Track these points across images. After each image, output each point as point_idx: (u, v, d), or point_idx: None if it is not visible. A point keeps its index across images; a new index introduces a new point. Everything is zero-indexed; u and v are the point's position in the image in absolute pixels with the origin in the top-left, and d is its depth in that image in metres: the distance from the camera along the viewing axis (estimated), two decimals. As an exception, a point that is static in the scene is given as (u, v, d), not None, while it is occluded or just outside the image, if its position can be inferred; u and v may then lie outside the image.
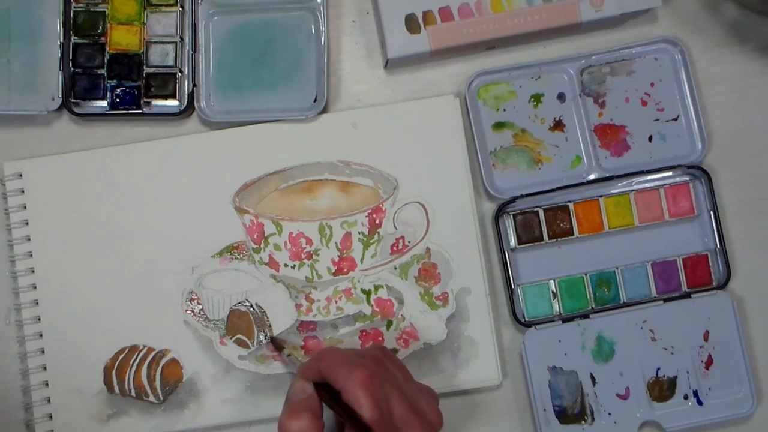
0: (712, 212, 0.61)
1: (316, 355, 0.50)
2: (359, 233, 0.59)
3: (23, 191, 0.59)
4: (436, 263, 0.60)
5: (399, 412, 0.46)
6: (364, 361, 0.47)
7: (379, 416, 0.45)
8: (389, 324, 0.59)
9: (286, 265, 0.59)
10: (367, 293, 0.60)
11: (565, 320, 0.60)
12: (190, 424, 0.58)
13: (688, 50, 0.62)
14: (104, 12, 0.60)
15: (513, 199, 0.60)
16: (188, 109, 0.60)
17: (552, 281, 0.61)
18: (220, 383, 0.58)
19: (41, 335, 0.58)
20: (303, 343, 0.59)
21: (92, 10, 0.60)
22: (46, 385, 0.58)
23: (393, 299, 0.60)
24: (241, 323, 0.59)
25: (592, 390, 0.60)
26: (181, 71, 0.60)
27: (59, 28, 0.60)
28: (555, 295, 0.61)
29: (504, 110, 0.62)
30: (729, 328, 0.60)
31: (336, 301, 0.60)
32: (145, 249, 0.59)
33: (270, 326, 0.59)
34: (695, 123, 0.62)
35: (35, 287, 0.59)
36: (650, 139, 0.62)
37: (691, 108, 0.62)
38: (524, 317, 0.60)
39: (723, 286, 0.61)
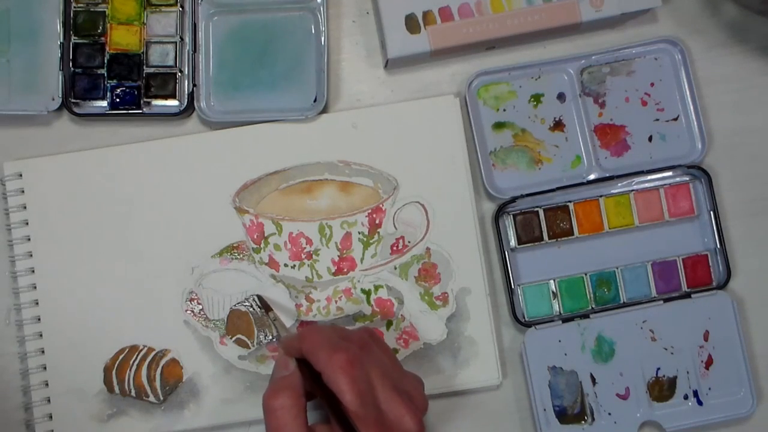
0: (712, 212, 0.61)
1: (299, 333, 0.49)
2: (359, 233, 0.59)
3: (23, 191, 0.59)
4: (436, 263, 0.60)
5: (383, 395, 0.46)
6: (345, 344, 0.47)
7: (359, 402, 0.44)
8: (389, 324, 0.59)
9: (286, 265, 0.59)
10: (367, 293, 0.60)
11: (565, 320, 0.60)
12: (190, 424, 0.58)
13: (688, 50, 0.62)
14: (104, 12, 0.60)
15: (513, 199, 0.60)
16: (188, 109, 0.60)
17: (552, 281, 0.61)
18: (220, 383, 0.58)
19: (41, 335, 0.58)
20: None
21: (92, 10, 0.60)
22: (46, 385, 0.58)
23: (393, 299, 0.60)
24: (241, 323, 0.59)
25: (592, 390, 0.60)
26: (181, 71, 0.60)
27: (59, 28, 0.60)
28: (555, 295, 0.61)
29: (504, 110, 0.62)
30: (729, 328, 0.60)
31: (336, 301, 0.60)
32: (145, 249, 0.59)
33: (270, 326, 0.59)
34: (695, 123, 0.62)
35: (35, 287, 0.59)
36: (650, 139, 0.62)
37: (691, 108, 0.62)
38: (524, 317, 0.60)
39: (723, 286, 0.61)
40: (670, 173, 0.62)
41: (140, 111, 0.60)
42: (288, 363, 0.48)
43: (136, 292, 0.59)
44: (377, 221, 0.60)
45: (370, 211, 0.59)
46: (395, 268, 0.60)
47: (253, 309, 0.59)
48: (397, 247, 0.60)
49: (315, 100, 0.60)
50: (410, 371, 0.52)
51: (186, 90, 0.60)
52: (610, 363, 0.60)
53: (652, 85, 0.62)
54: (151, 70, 0.60)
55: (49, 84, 0.59)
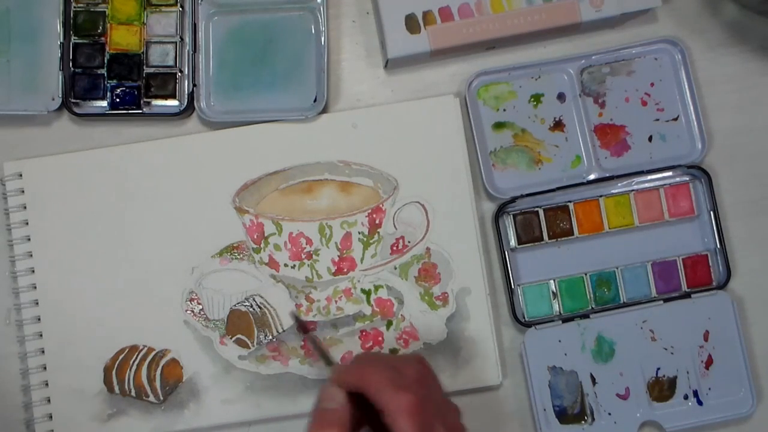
0: (712, 212, 0.61)
1: (357, 366, 0.47)
2: (359, 233, 0.59)
3: (23, 191, 0.59)
4: (436, 263, 0.60)
5: None
6: (408, 382, 0.45)
7: None
8: (389, 324, 0.59)
9: (286, 265, 0.59)
10: (367, 293, 0.60)
11: (565, 320, 0.60)
12: (190, 424, 0.58)
13: (688, 50, 0.62)
14: (104, 12, 0.60)
15: (513, 199, 0.60)
16: (188, 109, 0.60)
17: (552, 281, 0.61)
18: (220, 383, 0.58)
19: (41, 335, 0.58)
20: (303, 344, 0.59)
21: (92, 10, 0.60)
22: (46, 385, 0.58)
23: (393, 299, 0.60)
24: (241, 323, 0.59)
25: (592, 390, 0.60)
26: (181, 71, 0.60)
27: (59, 28, 0.60)
28: (555, 295, 0.61)
29: (504, 110, 0.62)
30: (729, 328, 0.60)
31: (336, 301, 0.60)
32: (145, 249, 0.59)
33: (270, 326, 0.59)
34: (695, 123, 0.62)
35: (35, 287, 0.59)
36: (650, 139, 0.62)
37: (691, 108, 0.62)
38: (524, 317, 0.60)
39: (723, 286, 0.61)
40: (670, 173, 0.62)
41: (140, 111, 0.60)
42: (335, 395, 0.45)
43: (136, 292, 0.59)
44: (377, 221, 0.60)
45: (370, 211, 0.59)
46: (395, 268, 0.60)
47: (253, 309, 0.59)
48: (397, 247, 0.60)
49: (315, 100, 0.60)
50: (450, 400, 0.50)
51: (186, 90, 0.60)
52: (610, 363, 0.60)
53: (652, 85, 0.62)
54: (151, 70, 0.60)
55: (49, 84, 0.59)
